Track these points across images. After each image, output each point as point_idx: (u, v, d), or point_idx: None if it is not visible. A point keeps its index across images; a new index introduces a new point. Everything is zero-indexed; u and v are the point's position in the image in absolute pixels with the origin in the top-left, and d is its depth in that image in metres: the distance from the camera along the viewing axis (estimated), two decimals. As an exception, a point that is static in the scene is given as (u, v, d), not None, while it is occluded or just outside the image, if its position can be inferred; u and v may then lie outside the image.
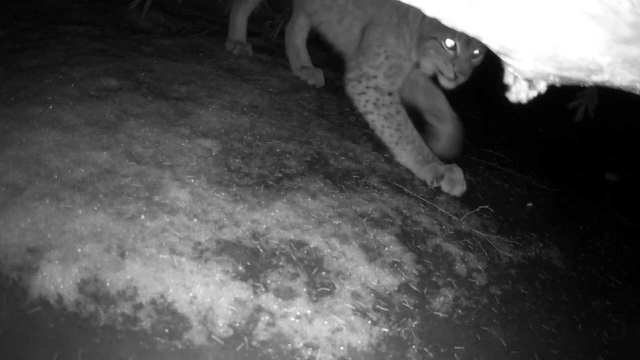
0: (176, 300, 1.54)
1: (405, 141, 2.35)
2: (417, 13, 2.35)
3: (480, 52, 2.28)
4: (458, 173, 2.31)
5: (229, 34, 3.12)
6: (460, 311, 1.79)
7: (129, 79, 2.46)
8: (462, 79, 2.30)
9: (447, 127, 2.52)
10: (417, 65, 2.43)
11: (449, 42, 2.25)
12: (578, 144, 3.32)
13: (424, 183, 2.32)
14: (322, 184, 2.08)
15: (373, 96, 2.40)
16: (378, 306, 1.69)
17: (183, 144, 2.08)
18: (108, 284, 1.54)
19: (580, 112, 3.08)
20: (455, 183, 2.30)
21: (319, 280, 1.70)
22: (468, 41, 2.24)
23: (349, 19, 2.61)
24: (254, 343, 1.51)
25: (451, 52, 2.27)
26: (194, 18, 3.63)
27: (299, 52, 3.05)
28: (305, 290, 1.66)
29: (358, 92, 2.44)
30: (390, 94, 2.42)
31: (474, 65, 2.32)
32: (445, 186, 2.29)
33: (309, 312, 1.60)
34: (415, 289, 1.79)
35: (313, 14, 2.80)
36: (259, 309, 1.58)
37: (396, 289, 1.77)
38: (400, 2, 2.49)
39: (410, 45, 2.40)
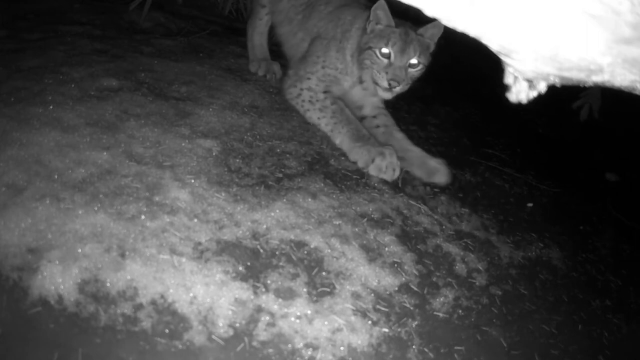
0: (176, 300, 1.54)
1: (340, 125, 2.35)
2: (359, 28, 2.42)
3: (419, 61, 2.30)
4: (390, 156, 2.23)
5: (249, 55, 2.99)
6: (460, 311, 1.79)
7: (129, 79, 2.46)
8: (397, 88, 2.29)
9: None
10: (360, 80, 2.45)
11: (384, 50, 2.27)
12: (578, 144, 3.32)
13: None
14: (322, 184, 2.08)
15: (307, 95, 2.46)
16: (378, 306, 1.69)
17: (183, 144, 2.08)
18: (108, 284, 1.54)
19: (584, 111, 3.08)
20: (380, 168, 2.22)
21: (319, 280, 1.70)
22: (403, 49, 2.25)
23: (300, 33, 2.69)
24: (254, 343, 1.51)
25: (385, 60, 2.28)
26: (194, 18, 3.64)
27: None
28: (305, 290, 1.66)
29: (295, 96, 2.50)
30: (324, 92, 2.45)
31: (413, 76, 2.32)
32: (372, 169, 2.22)
33: (309, 312, 1.60)
34: (415, 289, 1.79)
35: (278, 25, 2.87)
36: (259, 309, 1.58)
37: (396, 289, 1.77)
38: (344, 19, 2.50)
39: (348, 60, 2.45)
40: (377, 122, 2.50)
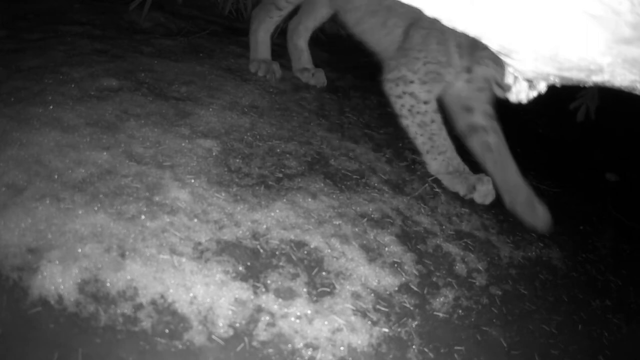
0: (176, 300, 1.54)
1: (437, 151, 2.31)
2: None
3: None
4: (488, 183, 2.26)
5: (250, 54, 2.90)
6: (460, 311, 1.79)
7: (129, 79, 2.46)
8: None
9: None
10: (468, 70, 2.34)
11: None
12: (578, 144, 3.31)
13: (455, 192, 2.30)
14: (322, 184, 2.08)
15: (408, 102, 2.34)
16: (378, 306, 1.69)
17: (183, 144, 2.08)
18: (108, 284, 1.54)
19: (581, 112, 3.08)
20: (486, 194, 2.25)
21: (319, 280, 1.70)
22: None
23: (393, 19, 2.50)
24: (254, 343, 1.51)
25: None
26: (194, 18, 3.63)
27: (301, 52, 2.97)
28: (305, 290, 1.66)
29: (395, 94, 2.38)
30: (425, 102, 2.34)
31: None
32: (477, 197, 2.26)
33: (309, 312, 1.60)
34: (415, 289, 1.79)
35: (355, 23, 2.69)
36: (259, 309, 1.58)
37: (396, 289, 1.77)
38: None
39: (452, 52, 2.32)
40: (489, 141, 2.36)
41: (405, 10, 2.43)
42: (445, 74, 2.35)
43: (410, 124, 2.35)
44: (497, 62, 2.10)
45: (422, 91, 2.34)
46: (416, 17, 2.40)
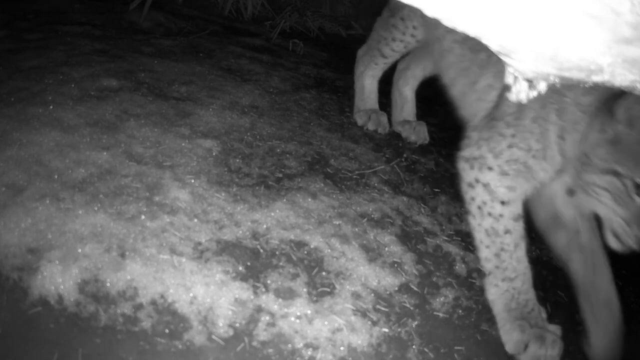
0: (176, 300, 1.55)
1: (501, 275, 1.72)
2: (585, 106, 1.61)
3: None
4: (553, 346, 1.65)
5: (355, 102, 2.66)
6: (460, 311, 1.79)
7: (129, 79, 2.46)
8: None
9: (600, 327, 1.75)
10: (570, 193, 1.74)
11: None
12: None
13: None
14: (322, 184, 2.08)
15: (480, 196, 1.75)
16: (378, 306, 1.69)
17: (183, 144, 2.08)
18: (108, 284, 1.54)
19: None
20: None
21: (319, 280, 1.70)
22: None
23: (485, 79, 1.95)
24: (254, 343, 1.51)
25: (638, 200, 1.49)
26: (194, 18, 3.63)
27: (405, 102, 2.65)
28: (305, 290, 1.66)
29: (466, 181, 1.80)
30: (503, 203, 1.72)
31: None
32: None
33: (309, 312, 1.60)
34: (415, 289, 1.79)
35: (450, 84, 2.18)
36: (259, 309, 1.58)
37: (396, 289, 1.77)
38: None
39: (552, 142, 1.69)
40: (581, 240, 1.80)
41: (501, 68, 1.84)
42: (536, 168, 1.72)
43: (476, 226, 1.78)
44: (619, 199, 1.52)
45: (500, 185, 1.73)
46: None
